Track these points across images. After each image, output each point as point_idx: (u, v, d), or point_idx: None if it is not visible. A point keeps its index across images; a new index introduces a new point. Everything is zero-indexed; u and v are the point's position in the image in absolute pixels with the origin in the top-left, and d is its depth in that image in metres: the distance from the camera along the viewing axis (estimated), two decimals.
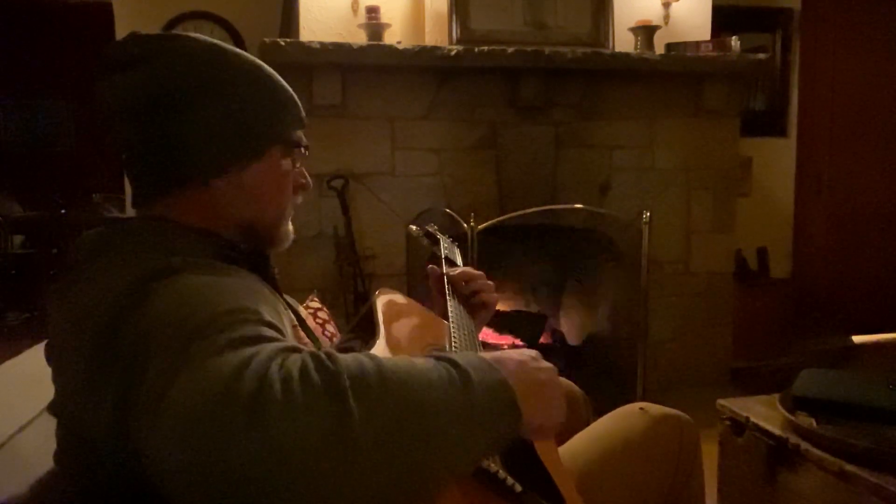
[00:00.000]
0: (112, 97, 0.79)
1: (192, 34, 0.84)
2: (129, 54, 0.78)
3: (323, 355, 0.54)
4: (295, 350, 0.55)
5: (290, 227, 0.92)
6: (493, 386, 0.61)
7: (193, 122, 0.78)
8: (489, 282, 1.22)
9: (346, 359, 0.55)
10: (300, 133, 0.89)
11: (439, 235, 1.35)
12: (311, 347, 0.62)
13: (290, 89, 0.89)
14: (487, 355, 0.68)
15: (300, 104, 0.90)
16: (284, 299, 0.91)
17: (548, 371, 0.72)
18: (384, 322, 0.87)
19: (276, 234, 0.88)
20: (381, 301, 0.93)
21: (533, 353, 0.74)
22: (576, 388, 1.40)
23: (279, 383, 0.50)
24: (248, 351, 0.53)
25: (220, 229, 0.82)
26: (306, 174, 0.92)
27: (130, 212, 0.89)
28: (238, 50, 0.85)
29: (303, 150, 0.89)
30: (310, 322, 1.01)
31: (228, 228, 0.83)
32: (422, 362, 0.60)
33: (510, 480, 0.75)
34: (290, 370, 0.51)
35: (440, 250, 1.28)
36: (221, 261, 0.77)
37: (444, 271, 1.20)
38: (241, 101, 0.81)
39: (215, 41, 0.84)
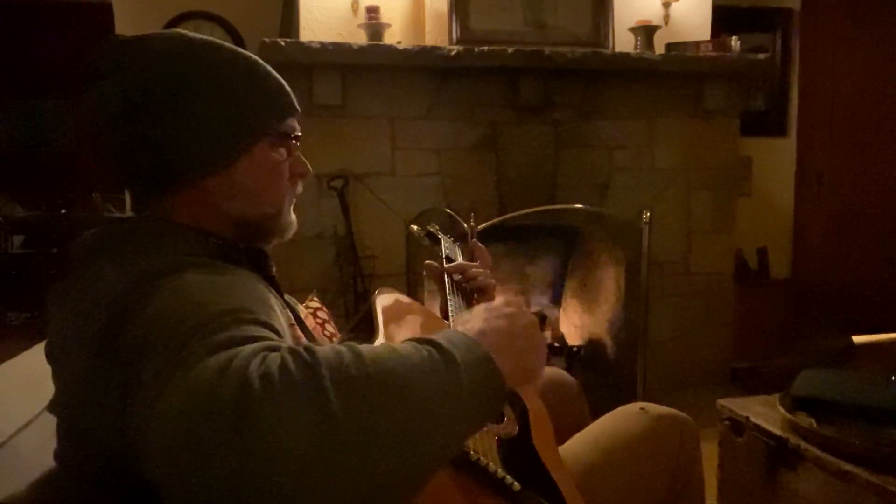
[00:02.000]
0: (92, 108, 0.80)
1: (169, 31, 0.83)
2: (103, 64, 0.79)
3: (301, 349, 0.54)
4: (275, 348, 0.55)
5: (293, 216, 0.91)
6: (478, 362, 0.61)
7: (173, 125, 0.77)
8: (484, 268, 1.23)
9: (325, 350, 0.55)
10: (290, 121, 0.87)
11: (440, 235, 1.36)
12: None
13: (275, 77, 0.86)
14: (470, 327, 0.67)
15: (288, 90, 0.88)
16: (284, 298, 0.91)
17: (528, 329, 0.71)
18: (383, 321, 0.87)
19: (275, 225, 0.88)
20: (381, 301, 0.93)
21: (512, 308, 0.73)
22: (569, 377, 1.40)
23: (259, 382, 0.50)
24: (231, 353, 0.54)
25: (217, 227, 0.82)
26: (304, 161, 0.91)
27: (130, 212, 0.88)
28: (216, 44, 0.83)
29: (293, 139, 0.88)
30: (309, 322, 1.01)
31: (225, 225, 0.83)
32: (403, 347, 0.59)
33: (509, 479, 0.75)
34: (270, 368, 0.51)
35: (442, 250, 1.28)
36: (220, 260, 0.77)
37: (443, 267, 1.20)
38: (219, 99, 0.79)
39: (191, 38, 0.82)
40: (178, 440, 0.49)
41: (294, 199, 0.91)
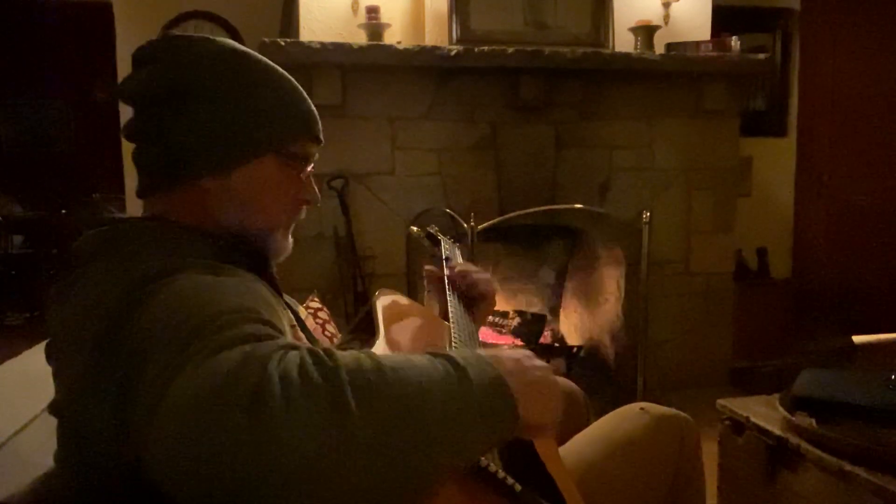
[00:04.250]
0: (127, 92, 0.83)
1: (214, 37, 0.85)
2: (146, 53, 0.83)
3: (321, 352, 0.54)
4: (293, 347, 0.55)
5: (290, 240, 0.91)
6: (491, 383, 0.61)
7: (188, 120, 0.80)
8: (485, 274, 1.22)
9: (345, 355, 0.55)
10: (307, 146, 0.88)
11: (440, 236, 1.35)
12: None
13: (304, 101, 0.88)
14: (484, 352, 0.68)
15: (314, 117, 0.89)
16: (283, 299, 0.91)
17: (543, 369, 0.72)
18: (384, 323, 0.87)
19: (265, 244, 0.87)
20: (381, 302, 0.93)
21: (528, 352, 0.74)
22: (576, 387, 1.40)
23: (278, 381, 0.50)
24: (246, 349, 0.53)
25: (215, 230, 0.83)
26: (314, 189, 0.91)
27: (131, 212, 0.89)
28: (257, 56, 0.85)
29: (305, 163, 0.88)
30: (309, 322, 1.01)
31: (221, 231, 0.83)
32: (419, 359, 0.60)
33: (510, 480, 0.75)
34: (289, 367, 0.51)
35: (441, 251, 1.28)
36: (220, 261, 0.77)
37: (444, 272, 1.19)
38: (237, 105, 0.81)
39: (234, 45, 0.85)
40: (189, 434, 0.49)
41: (293, 225, 0.91)
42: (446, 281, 1.16)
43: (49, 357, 0.76)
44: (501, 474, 0.74)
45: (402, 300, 1.02)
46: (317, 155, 0.91)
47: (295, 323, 0.89)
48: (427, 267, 1.24)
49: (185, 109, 0.80)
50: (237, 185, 0.82)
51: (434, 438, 0.54)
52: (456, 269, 1.19)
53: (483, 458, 0.75)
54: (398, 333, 0.88)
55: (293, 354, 0.53)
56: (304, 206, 0.92)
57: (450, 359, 0.61)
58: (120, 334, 0.62)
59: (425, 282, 1.24)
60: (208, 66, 0.81)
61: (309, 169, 0.90)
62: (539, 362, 0.72)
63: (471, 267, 1.22)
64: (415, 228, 1.42)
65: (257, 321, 0.61)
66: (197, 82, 0.80)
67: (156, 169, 0.83)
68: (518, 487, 0.74)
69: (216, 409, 0.49)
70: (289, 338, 0.68)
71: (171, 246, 0.77)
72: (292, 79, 0.88)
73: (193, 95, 0.80)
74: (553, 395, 0.71)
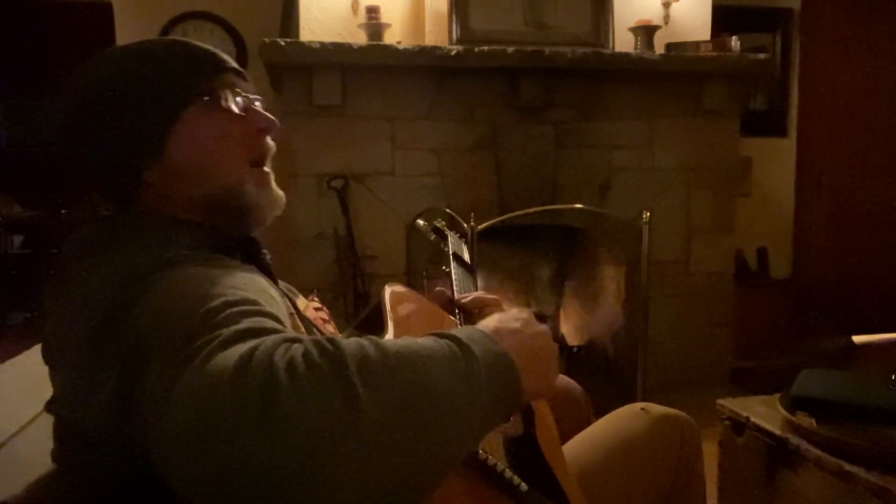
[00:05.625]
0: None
1: (105, 50, 0.85)
2: None
3: (325, 341, 0.54)
4: (297, 339, 0.55)
5: (276, 191, 0.87)
6: (496, 360, 0.61)
7: (89, 140, 0.80)
8: (495, 298, 1.14)
9: (349, 342, 0.55)
10: (222, 79, 0.83)
11: (447, 231, 1.34)
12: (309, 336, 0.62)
13: (188, 46, 0.84)
14: (486, 327, 0.68)
15: (211, 52, 0.85)
16: (280, 288, 0.90)
17: (542, 336, 0.72)
18: (392, 316, 0.87)
19: (240, 200, 0.83)
20: (390, 294, 0.92)
21: (525, 315, 0.73)
22: (576, 386, 1.39)
23: (284, 372, 0.50)
24: (252, 343, 0.53)
25: (193, 217, 0.81)
26: (263, 114, 0.85)
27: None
28: (122, 49, 0.84)
29: (233, 95, 0.83)
30: (310, 312, 1.00)
31: (195, 213, 0.81)
32: (424, 340, 0.59)
33: (516, 479, 0.75)
34: (295, 358, 0.51)
35: (448, 246, 1.27)
36: (213, 251, 0.76)
37: (455, 298, 1.11)
38: (119, 98, 0.79)
39: (105, 52, 0.84)
40: (200, 430, 0.49)
41: (268, 165, 0.87)
42: (455, 306, 1.11)
43: (46, 357, 0.76)
44: (508, 473, 0.74)
45: (411, 294, 1.01)
46: (247, 82, 0.86)
47: (293, 311, 0.88)
48: (438, 289, 1.20)
49: (85, 129, 0.80)
50: (175, 159, 0.80)
51: (443, 419, 0.54)
52: (472, 298, 1.11)
53: (491, 457, 0.75)
54: (407, 326, 0.87)
55: (297, 346, 0.53)
56: (266, 137, 0.86)
57: (455, 338, 0.60)
58: (117, 328, 0.62)
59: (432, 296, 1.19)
60: (94, 78, 0.81)
61: (250, 99, 0.85)
62: (537, 327, 0.72)
63: (489, 298, 1.13)
64: (422, 223, 1.40)
65: (260, 314, 0.61)
66: (83, 100, 0.81)
67: (100, 188, 0.83)
68: (524, 487, 0.74)
69: (227, 407, 0.49)
70: (289, 328, 0.68)
71: (164, 238, 0.75)
72: (169, 39, 0.86)
73: (84, 113, 0.80)
74: (551, 363, 0.72)
